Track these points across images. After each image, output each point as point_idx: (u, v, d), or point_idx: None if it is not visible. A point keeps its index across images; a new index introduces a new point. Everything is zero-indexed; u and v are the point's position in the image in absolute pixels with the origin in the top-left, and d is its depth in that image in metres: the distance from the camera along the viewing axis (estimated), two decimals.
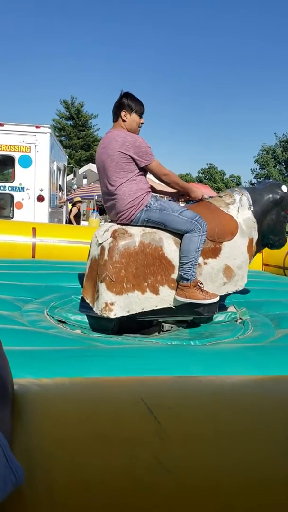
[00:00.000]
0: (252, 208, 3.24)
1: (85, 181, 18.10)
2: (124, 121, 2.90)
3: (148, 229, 2.89)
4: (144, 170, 2.88)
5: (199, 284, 2.88)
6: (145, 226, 2.89)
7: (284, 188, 3.37)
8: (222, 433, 0.73)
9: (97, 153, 2.95)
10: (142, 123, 2.96)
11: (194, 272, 2.83)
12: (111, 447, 0.69)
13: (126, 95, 2.93)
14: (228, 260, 3.10)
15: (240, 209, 3.21)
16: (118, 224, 2.92)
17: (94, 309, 2.82)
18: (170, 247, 2.89)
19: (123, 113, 2.90)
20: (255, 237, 3.29)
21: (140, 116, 2.94)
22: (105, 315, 2.74)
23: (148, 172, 2.91)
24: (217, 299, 2.91)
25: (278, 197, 3.32)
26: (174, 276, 2.90)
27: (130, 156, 2.77)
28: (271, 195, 3.32)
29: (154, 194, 2.99)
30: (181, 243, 2.86)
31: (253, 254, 3.30)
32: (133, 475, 0.65)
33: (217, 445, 0.70)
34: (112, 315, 2.74)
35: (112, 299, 2.73)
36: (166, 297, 2.88)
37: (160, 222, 2.86)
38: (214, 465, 0.67)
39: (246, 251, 3.19)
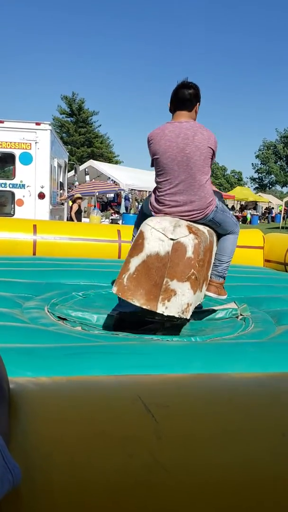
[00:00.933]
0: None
1: (87, 178, 18.06)
2: (196, 113, 2.77)
3: (200, 226, 2.77)
4: None
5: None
6: (204, 224, 2.83)
7: None
8: (220, 431, 0.73)
9: (171, 140, 2.65)
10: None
11: (226, 270, 2.98)
12: (108, 446, 0.69)
13: (190, 84, 2.71)
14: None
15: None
16: (184, 220, 2.70)
17: (164, 310, 2.51)
18: (214, 246, 2.94)
19: (198, 105, 2.76)
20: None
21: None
22: (183, 317, 2.53)
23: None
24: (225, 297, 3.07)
25: None
26: (208, 274, 2.90)
27: (214, 153, 2.71)
28: None
29: None
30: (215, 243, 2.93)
31: None
32: (131, 473, 0.65)
33: (215, 443, 0.70)
34: (188, 316, 2.54)
35: (191, 299, 2.52)
36: (202, 294, 2.83)
37: (219, 223, 2.84)
38: (211, 463, 0.67)
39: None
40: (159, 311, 2.51)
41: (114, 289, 2.63)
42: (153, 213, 2.84)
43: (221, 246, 2.93)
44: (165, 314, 2.49)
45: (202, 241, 2.57)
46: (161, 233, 2.55)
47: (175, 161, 2.66)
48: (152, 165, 2.84)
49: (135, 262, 2.59)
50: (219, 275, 2.91)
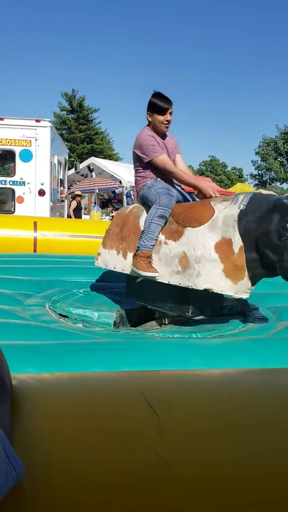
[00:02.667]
0: (242, 207, 2.67)
1: (93, 174, 17.90)
2: (149, 121, 3.13)
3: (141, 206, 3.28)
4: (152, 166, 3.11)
5: (149, 258, 2.94)
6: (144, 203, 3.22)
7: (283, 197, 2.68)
8: (221, 427, 0.73)
9: None
10: (167, 120, 3.08)
11: (144, 242, 2.94)
12: (110, 442, 0.69)
13: (152, 95, 3.08)
14: (186, 248, 2.81)
15: (230, 205, 2.74)
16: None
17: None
18: (143, 218, 3.11)
19: (147, 115, 3.12)
20: (235, 241, 2.66)
21: (163, 114, 3.05)
22: (95, 263, 3.48)
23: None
24: (154, 275, 2.90)
25: (276, 205, 2.60)
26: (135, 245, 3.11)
27: (136, 153, 3.14)
28: (269, 198, 2.71)
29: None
30: None
31: (238, 265, 2.67)
32: (133, 469, 0.65)
33: (216, 438, 0.70)
34: (95, 263, 3.47)
35: (100, 250, 3.45)
36: (129, 264, 3.13)
37: (145, 197, 3.13)
38: (213, 459, 0.67)
39: (212, 248, 2.71)
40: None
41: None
42: None
43: None
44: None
45: (125, 210, 3.44)
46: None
47: None
48: None
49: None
50: (137, 245, 3.04)
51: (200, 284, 2.71)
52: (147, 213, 3.06)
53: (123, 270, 3.17)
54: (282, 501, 0.62)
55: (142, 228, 3.05)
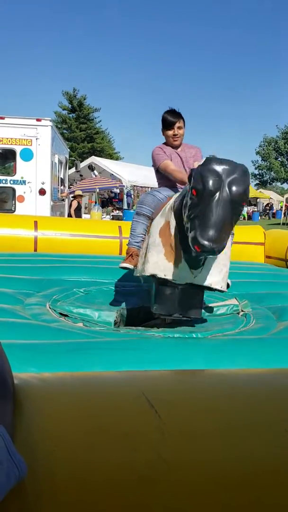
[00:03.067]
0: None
1: (96, 173, 17.87)
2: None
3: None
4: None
5: (131, 253, 3.08)
6: None
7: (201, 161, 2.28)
8: (222, 427, 0.73)
9: None
10: (174, 134, 3.20)
11: (130, 239, 3.12)
12: (112, 442, 0.69)
13: (164, 112, 3.25)
14: (148, 240, 2.81)
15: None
16: None
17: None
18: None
19: (162, 131, 3.28)
20: (171, 222, 2.59)
21: (171, 129, 3.19)
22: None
23: None
24: (126, 265, 3.05)
25: (191, 170, 2.29)
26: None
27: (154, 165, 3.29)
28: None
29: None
30: None
31: (173, 245, 2.58)
32: (134, 469, 0.65)
33: (218, 439, 0.71)
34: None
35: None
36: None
37: None
38: (214, 459, 0.67)
39: (157, 234, 2.66)
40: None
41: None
42: None
43: None
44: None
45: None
46: None
47: None
48: None
49: None
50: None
51: (147, 270, 2.65)
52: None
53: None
54: (283, 500, 0.62)
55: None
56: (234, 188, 2.15)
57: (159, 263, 2.61)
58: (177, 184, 3.21)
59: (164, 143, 3.32)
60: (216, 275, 2.67)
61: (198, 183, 2.16)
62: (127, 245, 3.17)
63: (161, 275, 2.60)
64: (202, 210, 2.16)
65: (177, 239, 2.54)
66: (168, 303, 2.74)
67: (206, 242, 2.12)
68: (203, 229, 2.15)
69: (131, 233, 3.14)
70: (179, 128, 3.20)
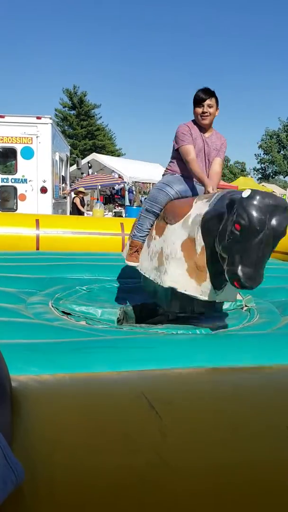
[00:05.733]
0: (210, 206, 2.47)
1: (90, 171, 17.98)
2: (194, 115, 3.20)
3: None
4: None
5: (137, 248, 3.10)
6: None
7: (245, 193, 2.21)
8: (224, 427, 0.72)
9: None
10: (203, 112, 3.08)
11: (134, 233, 3.13)
12: (112, 443, 0.68)
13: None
14: (164, 245, 2.77)
15: (204, 204, 2.56)
16: None
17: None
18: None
19: (194, 108, 3.15)
20: (198, 240, 2.52)
21: (200, 106, 3.08)
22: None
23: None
24: (132, 264, 3.12)
25: (232, 199, 2.30)
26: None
27: (175, 143, 3.17)
28: (230, 195, 2.38)
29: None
30: None
31: (200, 264, 2.51)
32: (135, 471, 0.64)
33: (221, 440, 0.69)
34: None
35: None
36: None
37: None
38: (216, 461, 0.66)
39: (179, 247, 2.60)
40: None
41: None
42: None
43: None
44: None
45: None
46: None
47: None
48: None
49: None
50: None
51: (165, 282, 2.64)
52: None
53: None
54: (286, 500, 0.61)
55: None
56: (277, 226, 2.14)
57: (180, 278, 2.57)
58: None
59: (192, 121, 3.16)
60: (233, 292, 2.64)
61: (243, 219, 2.12)
62: (131, 237, 3.16)
63: (181, 289, 2.58)
64: (245, 247, 2.14)
65: (203, 259, 2.49)
66: (183, 301, 2.81)
67: (248, 281, 2.14)
68: (245, 267, 2.14)
69: (137, 227, 3.11)
70: (209, 106, 3.06)
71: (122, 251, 4.75)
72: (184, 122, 3.16)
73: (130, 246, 3.15)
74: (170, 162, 3.25)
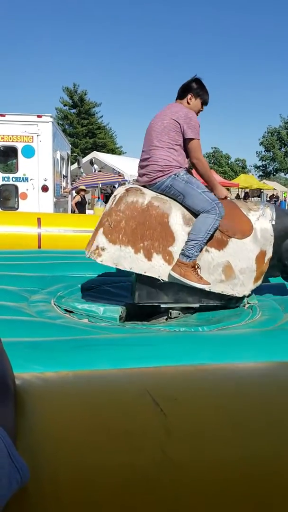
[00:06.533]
0: (273, 222, 3.07)
1: (93, 168, 17.91)
2: (188, 103, 3.01)
3: (162, 196, 2.95)
4: (185, 149, 2.95)
5: (196, 267, 2.88)
6: (165, 194, 2.95)
7: None
8: (230, 425, 0.71)
9: (151, 120, 3.05)
10: (201, 111, 3.07)
11: (197, 253, 2.83)
12: (116, 441, 0.67)
13: (197, 80, 3.03)
14: (232, 258, 2.97)
15: (261, 218, 3.07)
16: (141, 186, 3.02)
17: (85, 252, 2.92)
18: (176, 219, 2.90)
19: (189, 96, 3.01)
20: (269, 253, 3.08)
21: (203, 105, 3.05)
22: (92, 258, 2.85)
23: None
24: (208, 287, 2.89)
25: None
26: (172, 249, 2.88)
27: (179, 124, 2.87)
28: (284, 212, 3.15)
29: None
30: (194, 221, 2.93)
31: (263, 272, 3.09)
32: (139, 469, 0.64)
33: (225, 437, 0.69)
34: (99, 260, 2.85)
35: (104, 245, 2.83)
36: (156, 267, 2.87)
37: (181, 193, 2.90)
38: (222, 458, 0.65)
39: (254, 260, 3.04)
40: (85, 252, 2.94)
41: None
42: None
43: (193, 225, 2.89)
44: (86, 255, 2.91)
45: (130, 198, 2.86)
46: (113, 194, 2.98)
47: (146, 134, 3.03)
48: None
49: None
50: (182, 253, 2.84)
51: (242, 292, 3.03)
52: (174, 209, 2.90)
53: (144, 272, 2.86)
54: None
55: (173, 230, 2.88)
56: None
57: (250, 287, 3.07)
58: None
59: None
60: None
61: None
62: (190, 258, 2.81)
63: (246, 294, 3.09)
64: None
65: (266, 268, 3.09)
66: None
67: None
68: None
69: (201, 246, 2.83)
70: None
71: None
72: (193, 111, 2.97)
73: (190, 267, 2.83)
74: (173, 151, 2.89)
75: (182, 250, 2.85)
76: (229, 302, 3.12)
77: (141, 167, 3.03)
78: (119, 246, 2.83)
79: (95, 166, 17.68)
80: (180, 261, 2.84)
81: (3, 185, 9.12)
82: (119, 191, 2.96)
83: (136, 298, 2.97)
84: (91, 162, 17.90)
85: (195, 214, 2.90)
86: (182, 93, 3.03)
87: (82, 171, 17.66)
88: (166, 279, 2.88)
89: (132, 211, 2.85)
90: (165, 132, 2.88)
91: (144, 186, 2.99)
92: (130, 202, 2.85)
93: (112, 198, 2.95)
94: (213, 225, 2.83)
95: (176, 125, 2.87)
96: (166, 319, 3.04)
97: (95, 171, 17.44)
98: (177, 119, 2.86)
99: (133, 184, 3.13)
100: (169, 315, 3.06)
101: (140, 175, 3.04)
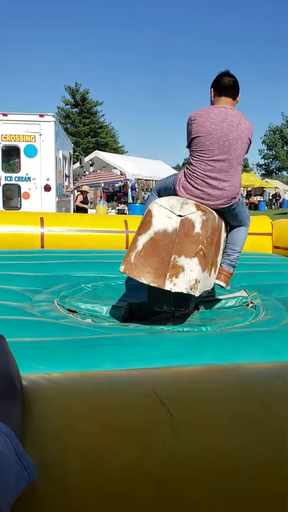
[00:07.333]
0: None
1: (91, 169, 18.02)
2: (237, 102, 2.83)
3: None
4: None
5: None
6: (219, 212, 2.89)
7: None
8: (237, 425, 0.71)
9: (216, 123, 2.66)
10: None
11: (235, 263, 3.05)
12: (124, 441, 0.68)
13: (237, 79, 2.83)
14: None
15: None
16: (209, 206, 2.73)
17: (171, 287, 2.45)
18: (223, 232, 2.96)
19: (238, 96, 2.83)
20: None
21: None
22: (191, 293, 2.44)
23: None
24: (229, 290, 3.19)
25: None
26: (216, 259, 2.90)
27: (249, 146, 2.78)
28: None
29: None
30: (227, 234, 3.03)
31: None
32: (147, 468, 0.64)
33: (232, 437, 0.69)
34: (197, 294, 2.47)
35: (199, 276, 2.45)
36: (211, 280, 2.80)
37: (237, 214, 2.93)
38: (229, 459, 0.66)
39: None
40: (166, 287, 2.44)
41: (122, 268, 2.59)
42: (178, 192, 2.77)
43: (234, 236, 2.99)
44: (173, 290, 2.43)
45: (210, 218, 2.56)
46: (168, 210, 2.56)
47: (217, 144, 2.66)
48: (188, 146, 2.80)
49: (142, 240, 2.56)
50: (231, 264, 2.97)
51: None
52: (223, 222, 2.93)
53: (208, 287, 2.78)
54: None
55: (221, 243, 2.93)
56: None
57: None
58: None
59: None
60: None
61: None
62: (234, 266, 3.03)
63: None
64: None
65: None
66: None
67: None
68: None
69: (238, 256, 3.03)
70: None
71: (125, 248, 4.66)
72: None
73: (230, 274, 2.98)
74: (238, 166, 2.73)
75: (228, 260, 2.99)
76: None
77: (213, 187, 2.69)
78: (207, 273, 2.61)
79: (92, 168, 17.79)
80: (226, 270, 2.98)
81: (5, 184, 9.13)
82: (188, 210, 2.54)
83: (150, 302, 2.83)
84: (91, 164, 17.96)
85: (231, 225, 3.02)
86: (235, 92, 2.78)
87: (84, 170, 17.72)
88: (211, 287, 2.93)
89: (213, 232, 2.64)
90: (243, 152, 2.72)
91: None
92: (212, 224, 2.59)
93: (179, 220, 2.54)
94: (245, 235, 3.06)
95: (248, 144, 2.77)
96: (168, 319, 3.04)
97: (93, 172, 17.51)
98: (251, 138, 2.75)
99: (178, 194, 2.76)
100: (172, 315, 3.06)
101: (211, 195, 2.71)
